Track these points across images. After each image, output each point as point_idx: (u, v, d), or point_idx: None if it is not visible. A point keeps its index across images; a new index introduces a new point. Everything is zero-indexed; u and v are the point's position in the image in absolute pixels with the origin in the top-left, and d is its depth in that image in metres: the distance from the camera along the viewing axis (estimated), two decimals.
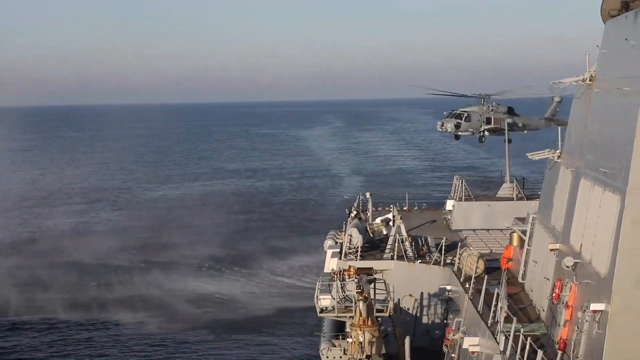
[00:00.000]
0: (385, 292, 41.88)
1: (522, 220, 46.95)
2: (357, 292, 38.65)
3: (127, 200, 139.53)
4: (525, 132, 71.97)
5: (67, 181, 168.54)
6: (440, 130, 71.43)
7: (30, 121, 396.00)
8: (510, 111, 70.95)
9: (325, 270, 51.88)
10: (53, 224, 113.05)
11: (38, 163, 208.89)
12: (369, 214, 62.01)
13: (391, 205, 64.41)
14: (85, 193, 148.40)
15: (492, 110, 69.94)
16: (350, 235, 51.75)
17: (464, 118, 69.68)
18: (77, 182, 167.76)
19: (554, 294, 33.32)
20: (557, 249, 35.20)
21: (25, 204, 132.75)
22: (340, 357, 40.81)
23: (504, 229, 54.08)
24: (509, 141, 70.36)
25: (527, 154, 41.73)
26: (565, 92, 68.67)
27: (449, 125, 69.96)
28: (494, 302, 35.29)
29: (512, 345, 31.00)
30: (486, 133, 70.08)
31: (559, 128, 39.94)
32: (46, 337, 62.52)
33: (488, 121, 69.80)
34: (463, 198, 63.89)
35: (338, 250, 52.57)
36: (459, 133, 70.74)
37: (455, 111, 70.81)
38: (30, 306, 69.99)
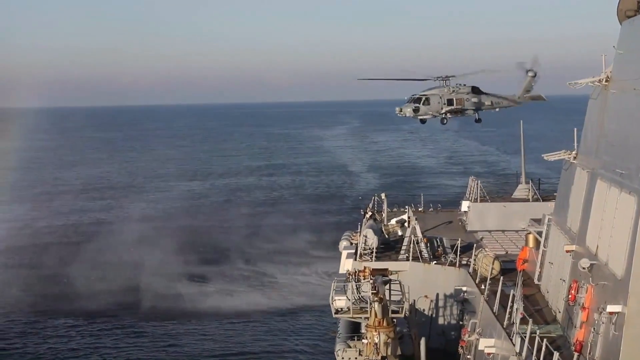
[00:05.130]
0: (400, 293, 41.88)
1: (538, 221, 46.80)
2: (372, 293, 38.69)
3: (157, 195, 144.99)
4: (497, 110, 71.01)
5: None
6: (400, 115, 70.30)
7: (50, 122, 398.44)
8: (475, 90, 69.92)
9: (340, 271, 51.85)
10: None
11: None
12: (384, 214, 61.99)
13: (406, 206, 64.36)
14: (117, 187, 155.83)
15: (454, 91, 69.02)
16: (365, 236, 51.73)
17: (422, 102, 68.69)
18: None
19: (570, 296, 33.20)
20: (573, 251, 35.08)
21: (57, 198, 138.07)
22: (356, 358, 40.87)
23: (520, 230, 53.98)
24: (478, 120, 70.22)
25: (542, 155, 41.64)
26: (537, 67, 68.78)
27: (408, 110, 68.90)
28: (509, 304, 35.20)
29: (528, 346, 30.92)
30: (448, 115, 69.22)
31: (575, 129, 39.68)
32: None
33: (450, 102, 68.80)
34: (478, 199, 63.77)
35: (353, 251, 52.56)
36: (419, 117, 69.78)
37: (415, 95, 69.90)
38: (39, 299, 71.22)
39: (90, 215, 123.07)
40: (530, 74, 68.14)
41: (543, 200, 61.50)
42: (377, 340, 38.23)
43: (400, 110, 69.03)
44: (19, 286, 75.99)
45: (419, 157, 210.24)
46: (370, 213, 62.67)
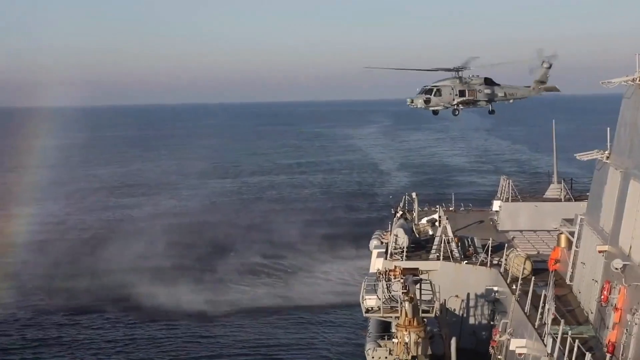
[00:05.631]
0: (431, 292, 41.82)
1: (570, 221, 46.54)
2: (403, 293, 38.70)
3: (189, 192, 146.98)
4: (511, 101, 70.25)
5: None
6: (411, 106, 69.60)
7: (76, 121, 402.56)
8: (488, 81, 69.13)
9: (370, 271, 51.93)
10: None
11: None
12: (415, 214, 61.89)
13: (437, 206, 64.20)
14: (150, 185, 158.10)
15: (466, 82, 68.22)
16: (396, 236, 51.77)
17: (433, 93, 68.00)
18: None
19: (602, 296, 33.00)
20: (605, 251, 34.87)
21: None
22: (386, 357, 40.86)
23: (552, 230, 53.66)
24: (492, 112, 69.66)
25: (575, 155, 41.39)
26: (553, 58, 67.94)
27: (419, 102, 68.15)
28: (541, 304, 35.06)
29: (559, 347, 30.78)
30: (460, 106, 68.44)
31: (608, 128, 39.35)
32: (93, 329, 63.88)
33: (461, 94, 67.96)
34: (510, 199, 63.48)
35: (384, 250, 52.60)
36: (431, 108, 69.07)
37: (426, 86, 69.26)
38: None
39: (123, 212, 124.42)
40: (545, 65, 67.46)
41: (575, 200, 61.12)
42: (407, 340, 38.25)
43: (412, 102, 68.51)
44: (54, 279, 77.34)
45: (450, 156, 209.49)
46: (401, 212, 62.61)
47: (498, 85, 68.96)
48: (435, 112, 69.51)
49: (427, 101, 67.50)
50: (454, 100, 67.56)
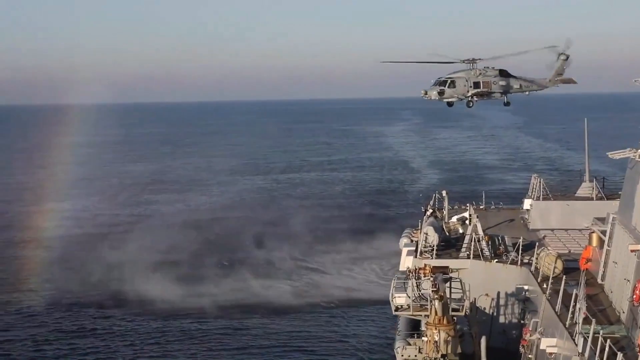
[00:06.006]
0: (461, 291, 41.80)
1: (602, 220, 46.21)
2: (432, 291, 38.72)
3: (220, 189, 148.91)
4: (527, 93, 69.63)
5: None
6: (425, 98, 69.07)
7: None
8: (503, 73, 68.49)
9: (400, 269, 51.99)
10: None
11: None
12: (445, 212, 61.77)
13: (467, 204, 64.02)
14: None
15: (480, 74, 67.58)
16: (426, 234, 51.63)
17: (447, 84, 67.42)
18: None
19: (634, 296, 32.81)
20: (638, 250, 34.64)
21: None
22: (416, 355, 40.85)
23: (583, 229, 53.29)
24: (507, 104, 69.14)
25: (607, 153, 41.13)
26: (569, 48, 67.30)
27: (433, 93, 67.55)
28: (572, 303, 34.89)
29: (591, 347, 30.65)
30: (474, 98, 67.82)
31: None
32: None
33: (476, 85, 67.36)
34: (541, 197, 63.12)
35: (414, 248, 52.58)
36: (445, 99, 68.51)
37: (441, 78, 68.71)
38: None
39: (154, 208, 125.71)
40: (562, 57, 66.90)
41: (607, 199, 60.63)
42: (437, 338, 38.26)
43: (426, 93, 68.18)
44: (87, 273, 78.71)
45: (481, 154, 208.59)
46: (431, 210, 62.48)
47: (513, 77, 68.50)
48: (449, 104, 69.09)
49: (441, 93, 67.12)
50: (468, 91, 67.15)
